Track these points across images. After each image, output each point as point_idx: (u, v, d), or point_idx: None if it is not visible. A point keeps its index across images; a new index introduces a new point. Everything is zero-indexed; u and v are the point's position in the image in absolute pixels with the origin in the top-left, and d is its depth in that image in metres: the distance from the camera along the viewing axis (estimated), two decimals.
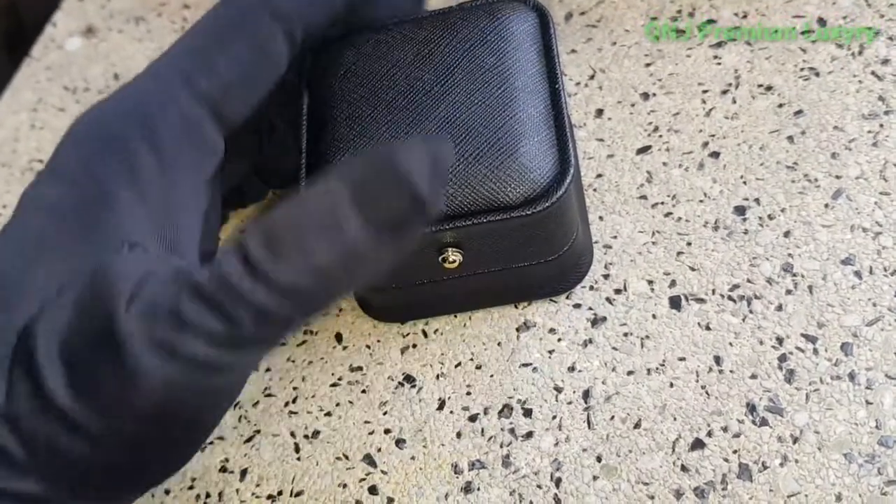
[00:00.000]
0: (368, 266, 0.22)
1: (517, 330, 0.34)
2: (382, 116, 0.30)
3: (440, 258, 0.30)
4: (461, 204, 0.29)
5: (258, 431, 0.34)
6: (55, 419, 0.24)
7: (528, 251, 0.31)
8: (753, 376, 0.31)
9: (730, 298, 0.33)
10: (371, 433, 0.33)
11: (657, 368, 0.32)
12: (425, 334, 0.34)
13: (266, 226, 0.22)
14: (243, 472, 0.33)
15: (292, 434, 0.33)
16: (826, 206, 0.34)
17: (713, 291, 0.33)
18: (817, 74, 0.37)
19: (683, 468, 0.30)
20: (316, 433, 0.33)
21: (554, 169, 0.29)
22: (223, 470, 0.33)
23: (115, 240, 0.25)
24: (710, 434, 0.30)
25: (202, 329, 0.22)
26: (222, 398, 0.26)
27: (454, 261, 0.30)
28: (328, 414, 0.33)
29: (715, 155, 0.36)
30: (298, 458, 0.33)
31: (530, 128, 0.29)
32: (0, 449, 0.24)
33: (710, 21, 0.39)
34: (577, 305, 0.34)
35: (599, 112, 0.38)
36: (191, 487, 0.33)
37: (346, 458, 0.32)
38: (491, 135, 0.29)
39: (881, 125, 0.35)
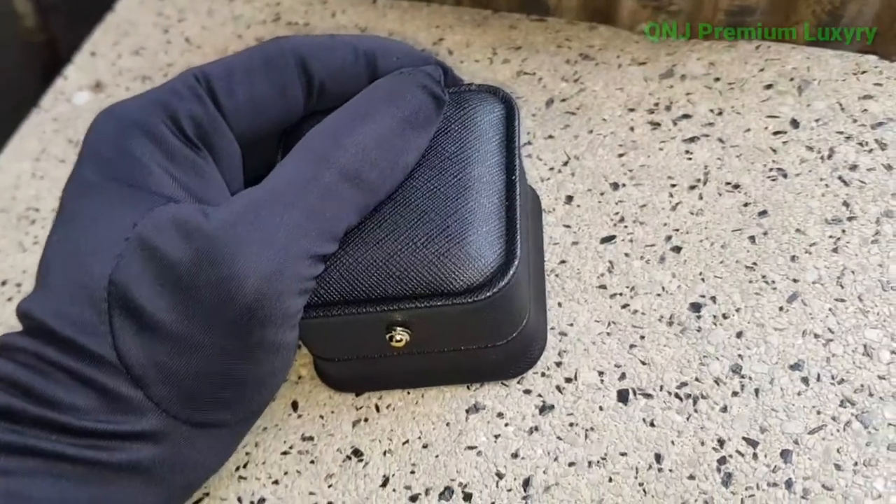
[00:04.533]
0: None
1: (467, 411, 0.34)
2: None
3: (388, 336, 0.31)
4: (407, 287, 0.30)
5: (207, 494, 0.34)
6: (162, 343, 0.27)
7: (474, 335, 0.31)
8: (691, 477, 0.31)
9: (676, 396, 0.33)
10: None
11: (598, 462, 0.32)
12: (377, 409, 0.35)
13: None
14: None
15: (239, 500, 0.34)
16: (781, 308, 0.34)
17: (661, 388, 0.33)
18: (785, 176, 0.37)
19: None
20: (262, 500, 0.34)
21: (499, 259, 0.30)
22: None
23: (157, 198, 0.28)
24: None
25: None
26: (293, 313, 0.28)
27: (401, 339, 0.31)
28: (276, 482, 0.34)
29: (677, 249, 0.36)
30: None
31: (480, 217, 0.30)
32: (119, 397, 0.27)
33: (686, 116, 0.40)
34: (528, 391, 0.34)
35: (569, 198, 0.39)
36: None
37: None
38: (441, 221, 0.30)
39: (843, 231, 0.35)
